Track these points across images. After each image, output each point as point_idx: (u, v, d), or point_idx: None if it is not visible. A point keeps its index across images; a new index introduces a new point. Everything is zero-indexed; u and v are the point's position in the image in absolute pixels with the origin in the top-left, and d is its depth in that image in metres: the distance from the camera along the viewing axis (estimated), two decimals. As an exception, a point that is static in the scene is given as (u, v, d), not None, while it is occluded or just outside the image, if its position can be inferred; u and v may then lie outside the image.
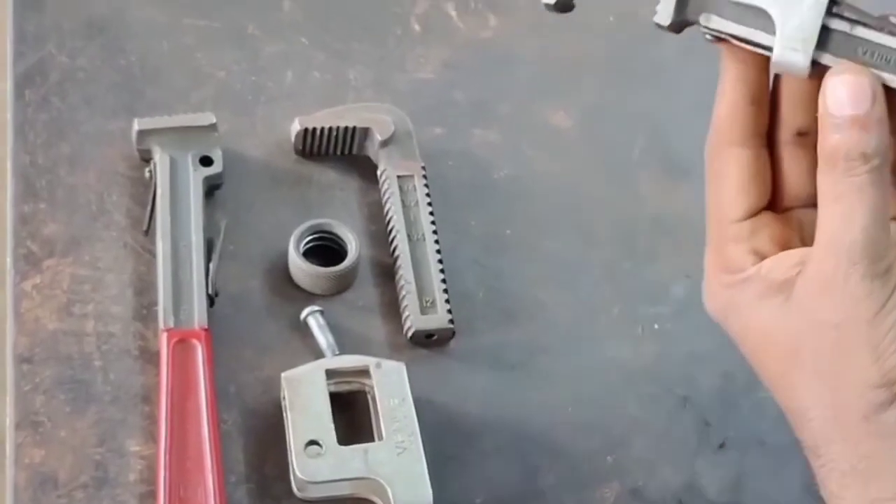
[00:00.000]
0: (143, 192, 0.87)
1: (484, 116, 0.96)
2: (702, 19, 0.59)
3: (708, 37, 0.60)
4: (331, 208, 0.90)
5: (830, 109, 0.57)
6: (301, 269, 0.85)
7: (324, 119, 0.91)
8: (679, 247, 0.91)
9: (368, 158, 0.91)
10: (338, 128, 0.91)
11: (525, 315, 0.87)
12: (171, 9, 0.98)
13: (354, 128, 0.91)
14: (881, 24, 0.57)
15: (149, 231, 0.85)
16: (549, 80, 0.98)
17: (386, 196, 0.89)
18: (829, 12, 0.57)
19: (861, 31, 0.57)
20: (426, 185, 0.90)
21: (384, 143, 0.91)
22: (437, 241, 0.87)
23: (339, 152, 0.92)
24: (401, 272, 0.86)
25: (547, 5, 0.61)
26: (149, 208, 0.86)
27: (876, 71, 0.57)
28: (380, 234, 0.89)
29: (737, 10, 0.58)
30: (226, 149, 0.89)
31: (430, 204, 0.89)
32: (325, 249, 0.87)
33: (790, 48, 0.57)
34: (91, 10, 0.97)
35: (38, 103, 0.91)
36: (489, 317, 0.87)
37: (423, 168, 0.90)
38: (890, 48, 0.57)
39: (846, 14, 0.57)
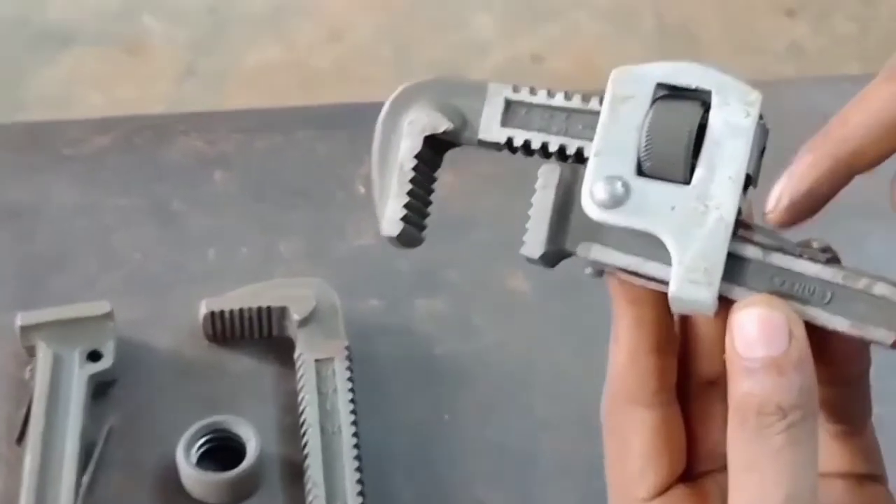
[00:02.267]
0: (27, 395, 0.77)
1: (429, 284, 0.84)
2: (580, 250, 0.47)
3: (588, 271, 0.47)
4: (241, 400, 0.78)
5: (739, 350, 0.44)
6: (191, 476, 0.74)
7: (235, 300, 0.80)
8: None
9: (289, 339, 0.80)
10: (249, 308, 0.80)
11: (460, 520, 0.74)
12: (94, 190, 0.89)
13: (269, 308, 0.80)
14: (801, 251, 0.45)
15: (21, 440, 0.75)
16: (505, 240, 0.85)
17: (301, 383, 0.77)
18: (737, 236, 0.45)
19: (777, 259, 0.45)
20: (349, 369, 0.78)
21: (302, 323, 0.79)
22: (355, 434, 0.75)
23: (255, 335, 0.81)
24: (309, 472, 0.74)
25: (389, 238, 0.49)
26: (23, 414, 0.76)
27: (796, 304, 0.44)
28: (295, 427, 0.77)
29: (623, 237, 0.46)
30: (129, 338, 0.79)
31: (351, 390, 0.77)
32: (226, 451, 0.75)
33: (690, 280, 0.44)
34: (6, 196, 0.89)
35: (-73, 303, 0.83)
36: (417, 523, 0.74)
37: (348, 348, 0.78)
38: (811, 278, 0.45)
39: (757, 239, 0.45)
